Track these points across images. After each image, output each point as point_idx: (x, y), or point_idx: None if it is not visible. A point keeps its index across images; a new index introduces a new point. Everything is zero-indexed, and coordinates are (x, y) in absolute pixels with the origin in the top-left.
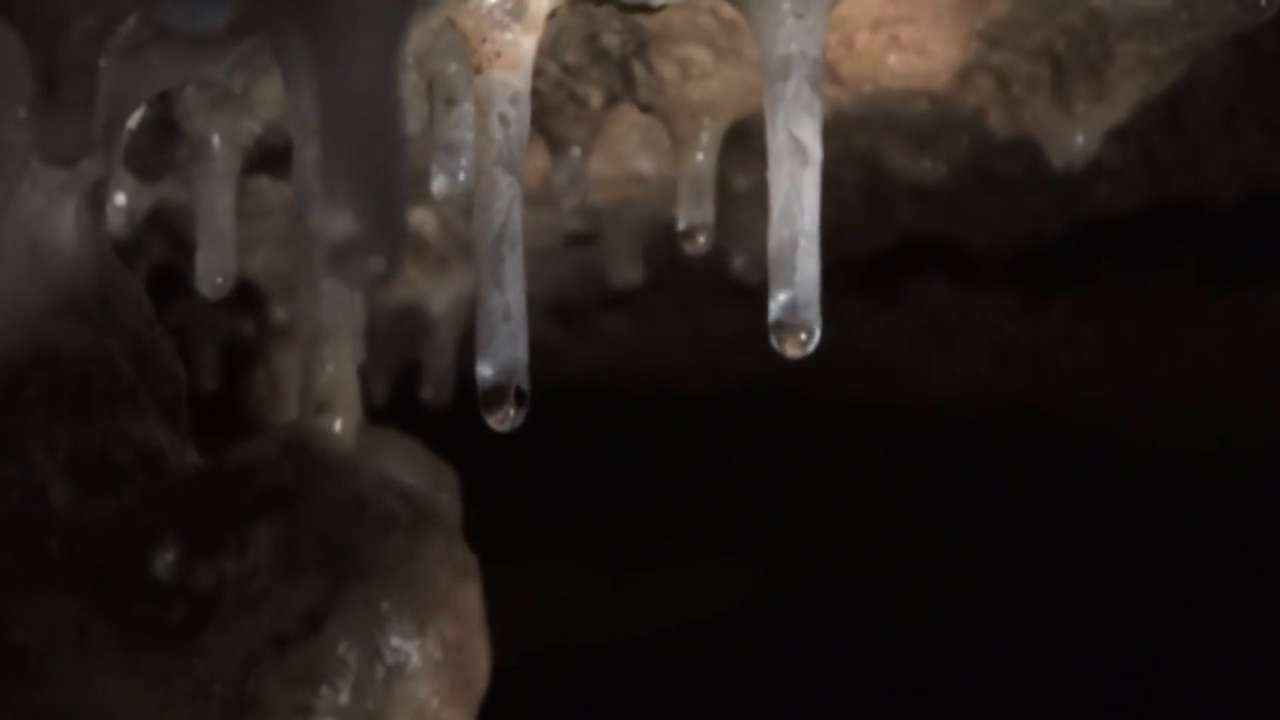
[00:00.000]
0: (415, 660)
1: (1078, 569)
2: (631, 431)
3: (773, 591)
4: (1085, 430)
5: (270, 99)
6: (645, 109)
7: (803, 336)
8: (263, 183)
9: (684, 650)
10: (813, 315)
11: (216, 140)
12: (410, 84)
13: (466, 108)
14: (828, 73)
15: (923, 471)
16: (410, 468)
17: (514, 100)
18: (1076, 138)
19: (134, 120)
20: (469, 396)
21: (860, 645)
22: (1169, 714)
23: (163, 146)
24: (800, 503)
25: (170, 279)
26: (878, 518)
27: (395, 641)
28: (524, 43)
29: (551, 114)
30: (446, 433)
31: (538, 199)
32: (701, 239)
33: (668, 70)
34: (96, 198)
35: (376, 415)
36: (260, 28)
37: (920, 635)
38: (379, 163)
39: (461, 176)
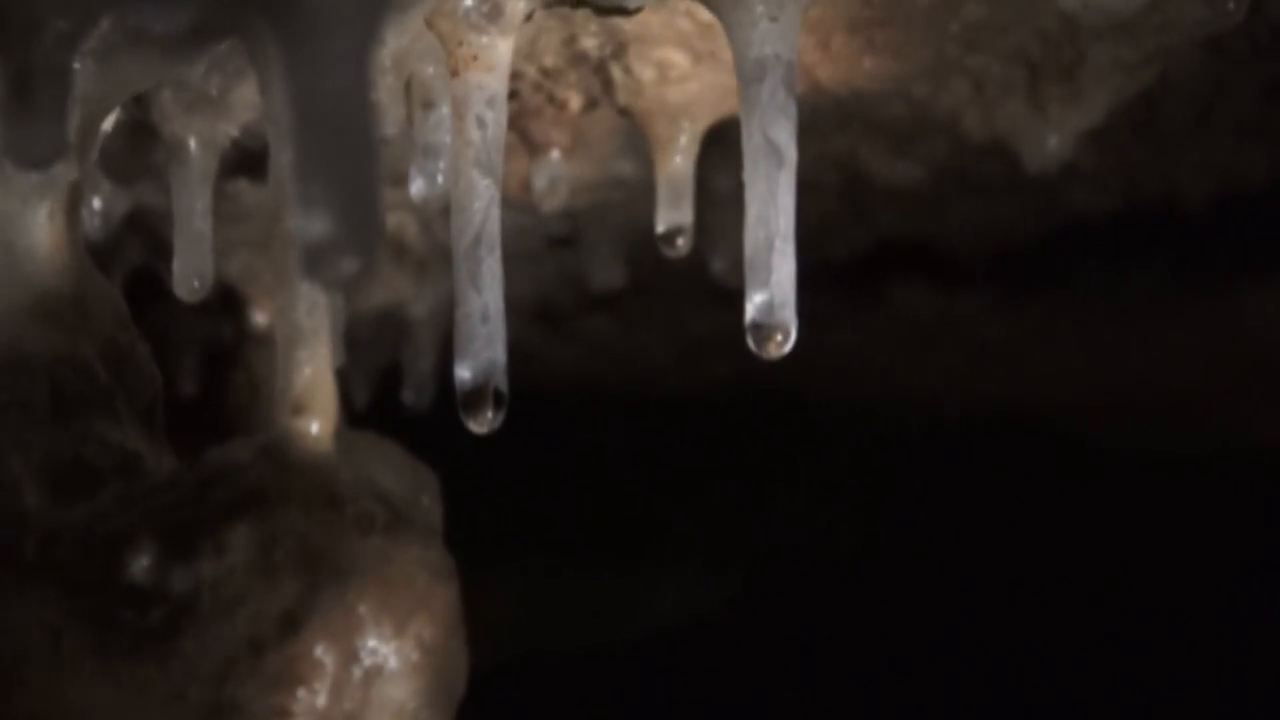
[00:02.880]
0: (393, 662)
1: (1057, 569)
2: (612, 434)
3: (753, 594)
4: (1062, 430)
5: (247, 102)
6: (624, 112)
7: (779, 337)
8: (240, 186)
9: (664, 653)
10: (789, 316)
11: (193, 143)
12: (388, 86)
13: (444, 110)
14: (804, 75)
15: (902, 473)
16: (390, 470)
17: (491, 103)
18: (1050, 140)
19: (109, 123)
20: (450, 399)
21: (841, 648)
22: (1146, 716)
23: (139, 149)
24: (781, 505)
25: (148, 282)
26: (858, 520)
27: (373, 644)
28: (500, 45)
29: (530, 117)
30: (428, 435)
31: (518, 202)
32: (680, 242)
33: (646, 73)
34: (71, 201)
35: (358, 418)
36: (233, 29)
37: (901, 638)
38: (353, 164)
39: (440, 179)
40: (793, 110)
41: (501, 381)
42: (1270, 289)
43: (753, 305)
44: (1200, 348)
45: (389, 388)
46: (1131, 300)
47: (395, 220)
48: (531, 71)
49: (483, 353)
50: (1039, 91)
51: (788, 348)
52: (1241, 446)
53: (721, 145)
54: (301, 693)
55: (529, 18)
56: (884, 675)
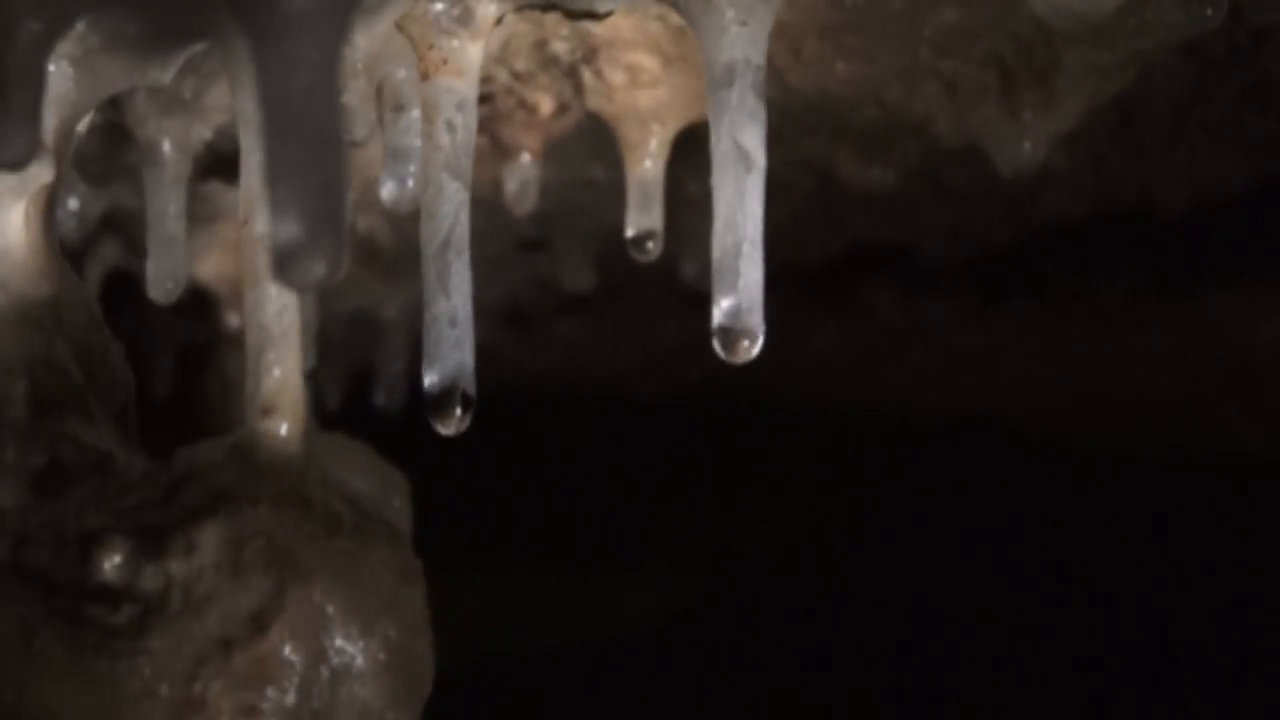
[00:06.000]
0: (360, 662)
1: (1028, 573)
2: (584, 437)
3: (724, 596)
4: (1035, 435)
5: (220, 104)
6: (594, 115)
7: (746, 342)
8: (214, 188)
9: (634, 655)
10: (756, 321)
11: (167, 145)
12: (359, 90)
13: (415, 114)
14: (775, 79)
15: (873, 477)
16: (360, 472)
17: (460, 107)
18: (1024, 145)
19: (84, 125)
20: (422, 402)
21: (811, 650)
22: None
23: (114, 152)
24: (751, 508)
25: (124, 283)
26: (829, 523)
27: (340, 643)
28: (470, 50)
29: (502, 120)
30: (400, 437)
31: (489, 205)
32: (650, 246)
33: (616, 77)
34: (46, 203)
35: (330, 420)
36: (206, 32)
37: (871, 640)
38: (320, 168)
39: (410, 182)
40: (762, 115)
41: (469, 385)
42: (1245, 295)
43: (720, 310)
44: (1173, 353)
45: (361, 389)
46: (1105, 306)
47: (367, 222)
48: (503, 75)
49: (450, 356)
50: (1013, 96)
51: (754, 353)
52: (1214, 450)
53: (693, 149)
54: (270, 691)
55: (499, 21)
56: (855, 675)
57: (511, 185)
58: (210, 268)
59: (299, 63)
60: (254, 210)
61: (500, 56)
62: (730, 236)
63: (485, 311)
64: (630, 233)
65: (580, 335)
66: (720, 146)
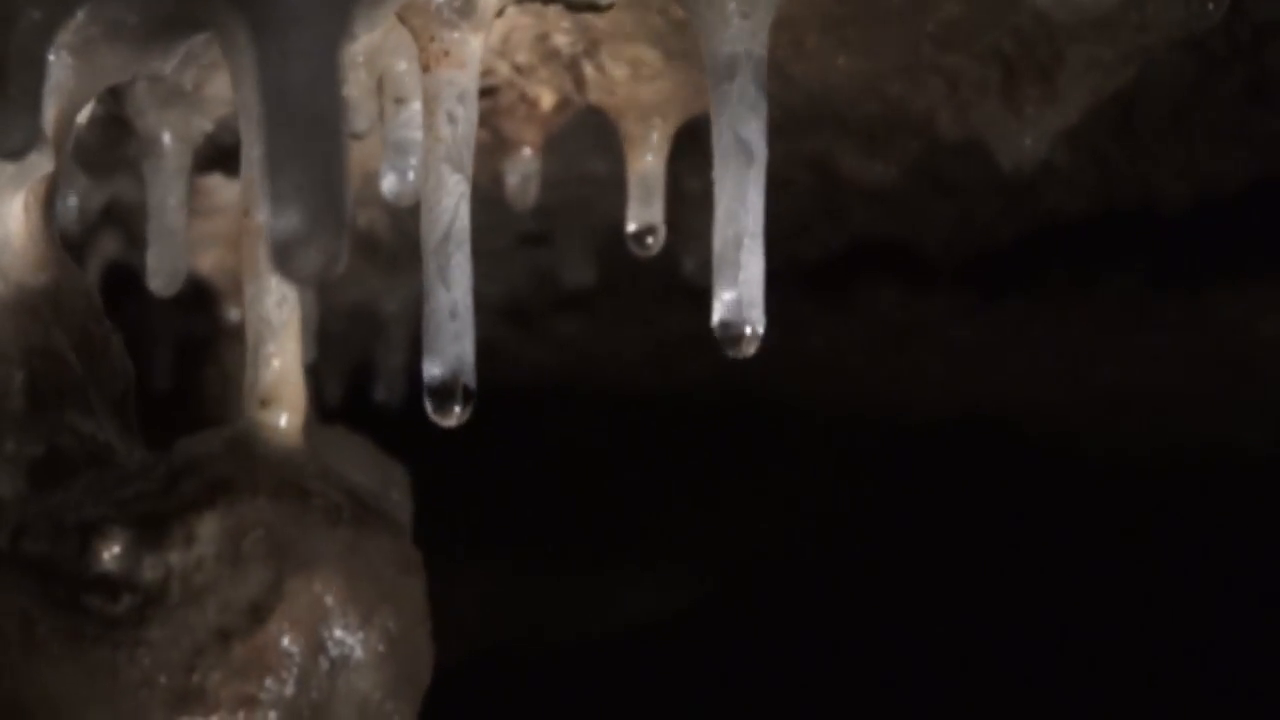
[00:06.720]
0: (359, 653)
1: (1030, 570)
2: (584, 432)
3: (726, 592)
4: (1036, 431)
5: (221, 96)
6: (595, 109)
7: (747, 336)
8: (214, 180)
9: (636, 651)
10: (757, 315)
11: (167, 137)
12: (360, 82)
13: (416, 106)
14: (777, 73)
15: (875, 473)
16: (359, 464)
17: (462, 99)
18: (1025, 140)
19: (84, 116)
20: (422, 396)
21: (812, 646)
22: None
23: (114, 143)
24: (753, 504)
25: (124, 276)
26: (830, 519)
27: (339, 634)
28: (472, 41)
29: (503, 114)
30: (400, 432)
31: (490, 199)
32: (651, 240)
33: (618, 70)
34: (46, 193)
35: (330, 414)
36: (207, 22)
37: (872, 637)
38: (320, 160)
39: (411, 175)
40: (763, 108)
41: (470, 377)
42: (1246, 293)
43: (721, 303)
44: (1175, 350)
45: (361, 384)
46: (1106, 302)
47: (367, 216)
48: (504, 69)
49: (451, 348)
50: (1015, 91)
51: (755, 346)
52: (1214, 448)
53: (694, 144)
54: (269, 682)
55: (500, 13)
56: (855, 674)
57: (512, 179)
58: (210, 261)
59: (300, 54)
60: (255, 201)
61: (501, 50)
62: (731, 229)
63: (485, 306)
64: (631, 227)
65: (580, 330)
66: (721, 139)
